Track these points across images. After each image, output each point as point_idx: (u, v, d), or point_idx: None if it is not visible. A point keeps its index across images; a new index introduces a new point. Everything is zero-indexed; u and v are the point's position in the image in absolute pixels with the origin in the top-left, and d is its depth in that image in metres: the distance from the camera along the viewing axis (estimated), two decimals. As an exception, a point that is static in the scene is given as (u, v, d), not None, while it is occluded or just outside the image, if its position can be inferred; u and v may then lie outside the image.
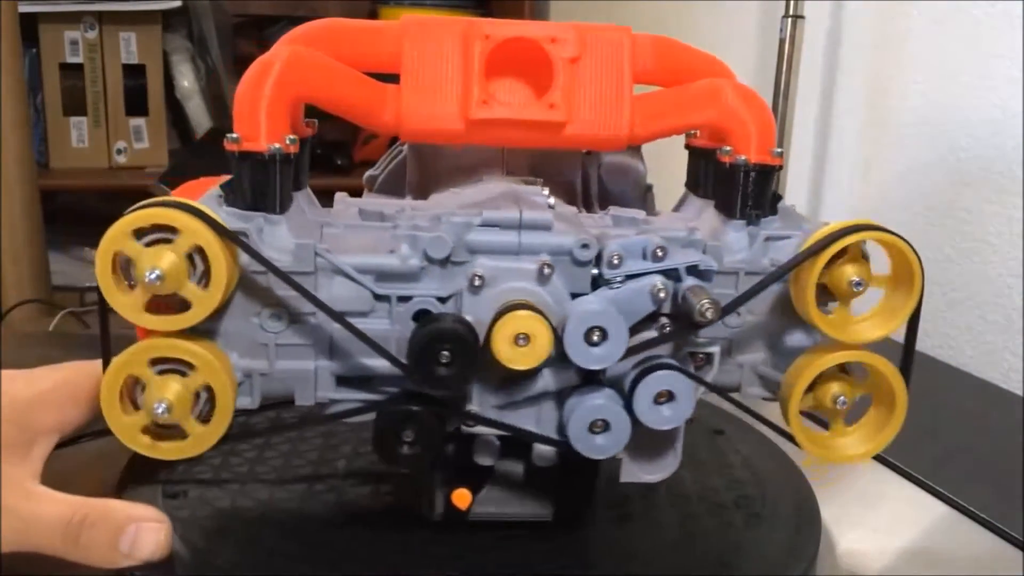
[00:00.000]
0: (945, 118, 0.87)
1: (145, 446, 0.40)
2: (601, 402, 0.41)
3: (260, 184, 0.40)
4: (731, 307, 0.41)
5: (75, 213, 1.88)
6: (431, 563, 0.44)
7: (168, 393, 0.38)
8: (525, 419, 0.43)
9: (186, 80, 1.84)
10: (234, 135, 0.40)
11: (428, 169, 0.49)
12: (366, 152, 1.85)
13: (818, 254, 0.39)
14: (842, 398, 0.42)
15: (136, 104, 1.78)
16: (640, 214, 0.45)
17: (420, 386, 0.41)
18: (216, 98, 1.87)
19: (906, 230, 0.97)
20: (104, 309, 0.38)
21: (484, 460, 0.44)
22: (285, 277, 0.39)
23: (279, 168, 0.40)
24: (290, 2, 2.05)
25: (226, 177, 0.42)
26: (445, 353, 0.39)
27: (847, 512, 0.53)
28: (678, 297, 0.41)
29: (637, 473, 0.45)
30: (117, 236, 0.37)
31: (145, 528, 0.41)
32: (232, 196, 0.41)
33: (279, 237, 0.40)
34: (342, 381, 0.42)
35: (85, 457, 0.47)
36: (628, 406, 0.41)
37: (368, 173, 0.51)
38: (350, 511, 0.47)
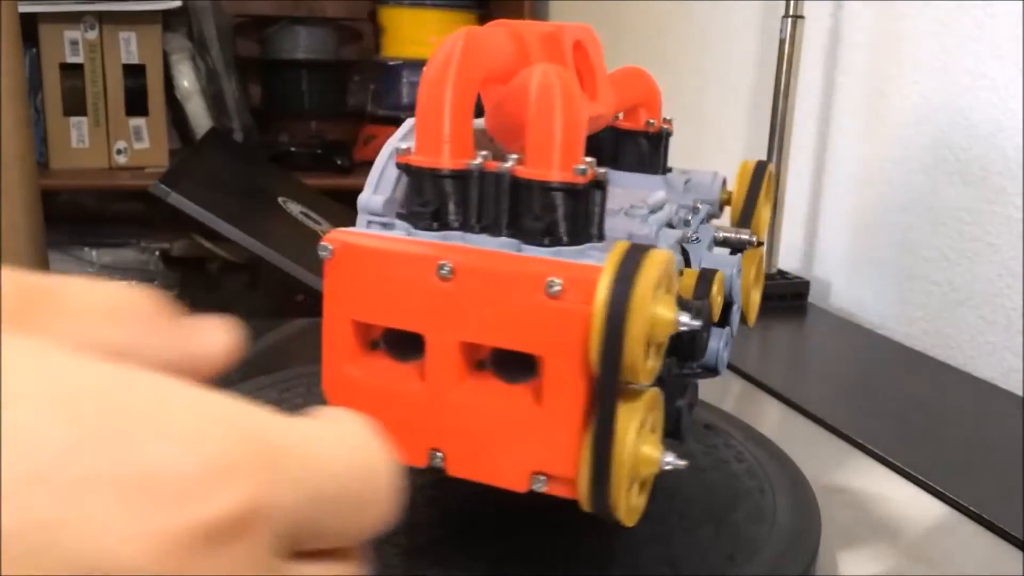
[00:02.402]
0: (945, 118, 0.87)
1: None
2: (726, 327, 0.48)
3: (581, 215, 0.36)
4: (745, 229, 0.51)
5: (75, 213, 1.89)
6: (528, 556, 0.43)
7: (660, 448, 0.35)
8: None
9: (186, 80, 1.84)
10: (582, 166, 0.35)
11: None
12: (366, 152, 1.85)
13: (764, 181, 0.53)
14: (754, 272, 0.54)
15: (136, 104, 1.78)
16: None
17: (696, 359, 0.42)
18: (216, 98, 1.87)
19: (906, 230, 0.97)
20: (614, 380, 0.32)
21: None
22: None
23: (602, 194, 0.37)
24: (290, 2, 2.05)
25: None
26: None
27: (847, 512, 0.53)
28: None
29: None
30: (652, 292, 0.32)
31: None
32: (538, 235, 0.36)
33: None
34: None
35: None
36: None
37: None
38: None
